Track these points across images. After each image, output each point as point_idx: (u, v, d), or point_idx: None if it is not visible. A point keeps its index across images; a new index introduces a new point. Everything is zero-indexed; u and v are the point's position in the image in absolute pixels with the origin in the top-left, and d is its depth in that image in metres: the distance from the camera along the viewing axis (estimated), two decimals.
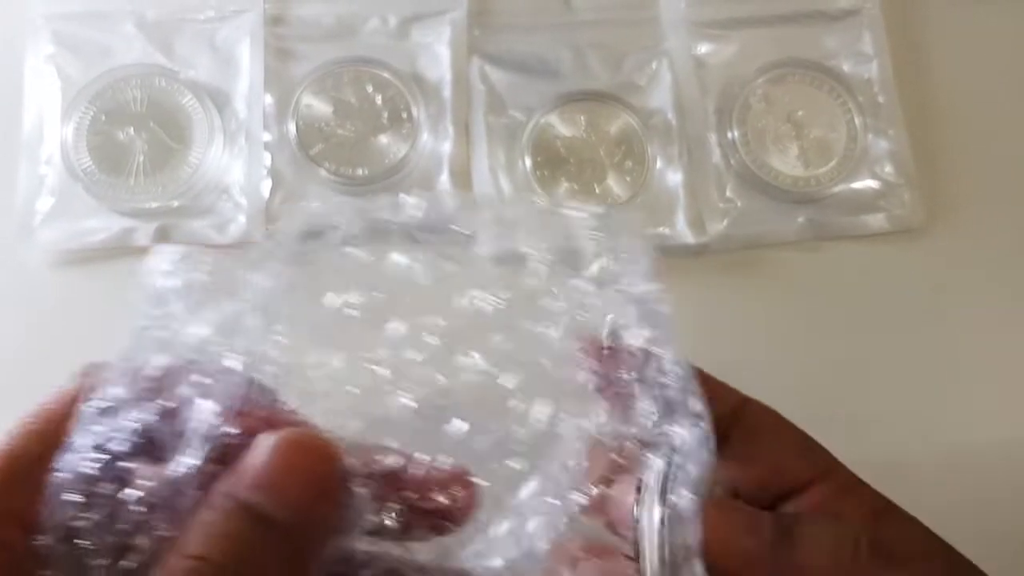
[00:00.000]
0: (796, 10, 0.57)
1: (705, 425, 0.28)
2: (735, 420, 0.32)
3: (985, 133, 0.56)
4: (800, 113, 0.55)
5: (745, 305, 0.52)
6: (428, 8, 0.55)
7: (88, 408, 0.26)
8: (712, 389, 0.31)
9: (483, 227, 0.31)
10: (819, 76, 0.56)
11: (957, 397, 0.51)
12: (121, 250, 0.50)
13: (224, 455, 0.25)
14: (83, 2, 0.54)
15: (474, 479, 0.27)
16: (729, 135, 0.54)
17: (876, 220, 0.54)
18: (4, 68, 0.53)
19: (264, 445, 0.25)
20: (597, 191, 0.53)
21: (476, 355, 0.30)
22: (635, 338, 0.30)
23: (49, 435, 0.26)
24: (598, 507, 0.28)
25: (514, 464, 0.28)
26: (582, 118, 0.54)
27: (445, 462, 0.27)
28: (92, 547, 0.24)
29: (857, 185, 0.54)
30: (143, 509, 0.25)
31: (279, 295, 0.29)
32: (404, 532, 0.27)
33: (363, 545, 0.27)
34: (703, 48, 0.56)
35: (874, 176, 0.55)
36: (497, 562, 0.27)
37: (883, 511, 0.31)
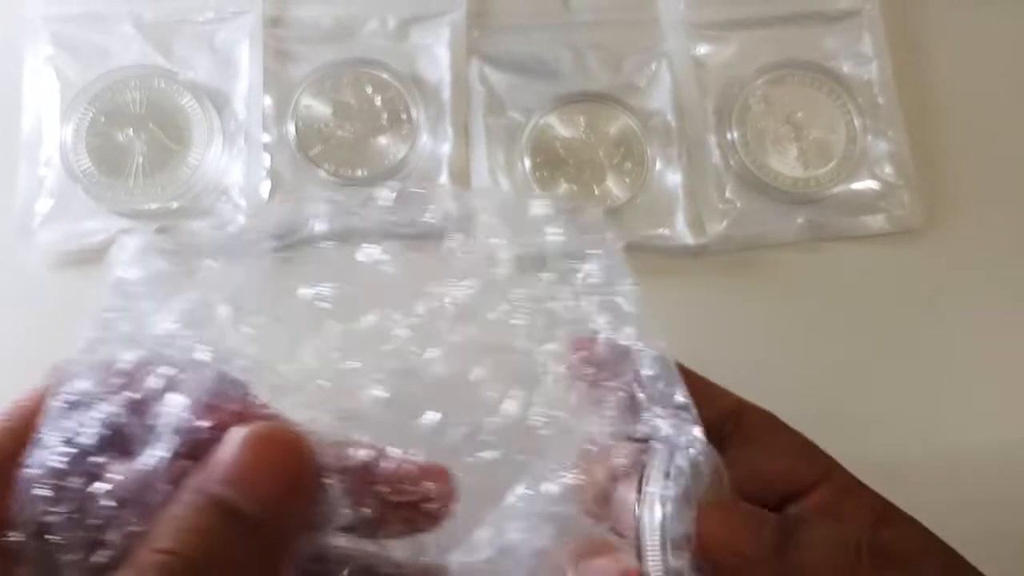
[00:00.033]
0: (795, 11, 0.57)
1: (699, 423, 0.28)
2: (734, 425, 0.32)
3: (985, 134, 0.56)
4: (800, 114, 0.55)
5: (745, 306, 0.52)
6: (427, 9, 0.55)
7: (56, 403, 0.26)
8: (708, 393, 0.31)
9: (453, 219, 0.31)
10: (819, 77, 0.56)
11: (956, 398, 0.51)
12: None
13: (196, 450, 0.25)
14: (81, 3, 0.53)
15: (451, 473, 0.27)
16: (728, 136, 0.54)
17: (876, 221, 0.54)
18: (3, 70, 0.53)
19: (234, 439, 0.25)
20: (596, 192, 0.53)
21: (447, 347, 0.30)
22: (611, 332, 0.30)
23: (21, 432, 0.26)
24: (600, 506, 0.28)
25: (487, 455, 0.28)
26: (581, 119, 0.54)
27: (418, 455, 0.27)
28: (63, 542, 0.24)
29: (857, 186, 0.54)
30: (113, 504, 0.25)
31: (250, 288, 0.29)
32: (379, 528, 0.27)
33: (337, 541, 0.27)
34: (702, 49, 0.56)
35: (874, 177, 0.55)
36: (475, 557, 0.27)
37: (883, 513, 0.31)
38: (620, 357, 0.29)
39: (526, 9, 0.56)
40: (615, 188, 0.53)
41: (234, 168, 0.52)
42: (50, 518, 0.24)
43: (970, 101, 0.57)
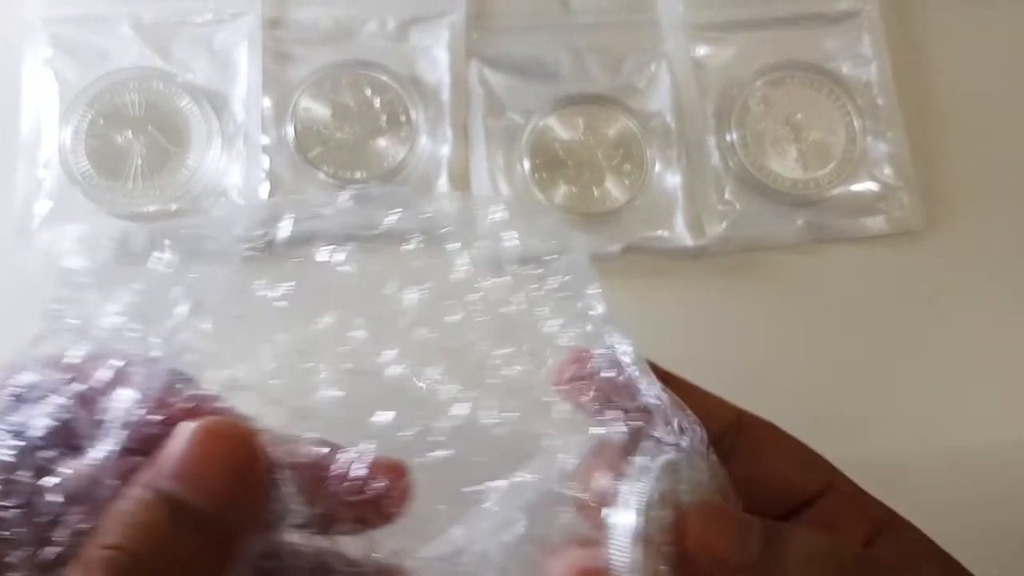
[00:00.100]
0: (795, 12, 0.57)
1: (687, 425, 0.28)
2: (735, 437, 0.31)
3: (984, 135, 0.56)
4: (799, 115, 0.55)
5: (744, 308, 0.52)
6: (426, 11, 0.55)
7: (2, 396, 0.26)
8: (707, 405, 0.30)
9: (414, 222, 0.31)
10: (818, 78, 0.56)
11: (956, 399, 0.51)
12: None
13: (146, 445, 0.25)
14: (80, 5, 0.53)
15: (406, 469, 0.27)
16: (728, 138, 0.54)
17: (875, 222, 0.54)
18: (2, 71, 0.53)
19: (183, 434, 0.25)
20: (596, 194, 0.53)
21: (402, 348, 0.30)
22: (572, 335, 0.30)
23: None
24: (581, 505, 0.28)
25: (438, 454, 0.28)
26: (581, 121, 0.54)
27: (372, 452, 0.27)
28: (11, 537, 0.24)
29: (856, 187, 0.54)
30: (61, 499, 0.24)
31: (207, 284, 0.29)
32: (332, 525, 0.27)
33: (291, 538, 0.27)
34: (702, 51, 0.56)
35: (873, 178, 0.54)
36: (431, 553, 0.27)
37: (882, 522, 0.30)
38: (606, 366, 0.29)
39: (525, 11, 0.56)
40: (614, 190, 0.53)
41: (233, 170, 0.52)
42: None
43: (970, 102, 0.57)
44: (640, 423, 0.28)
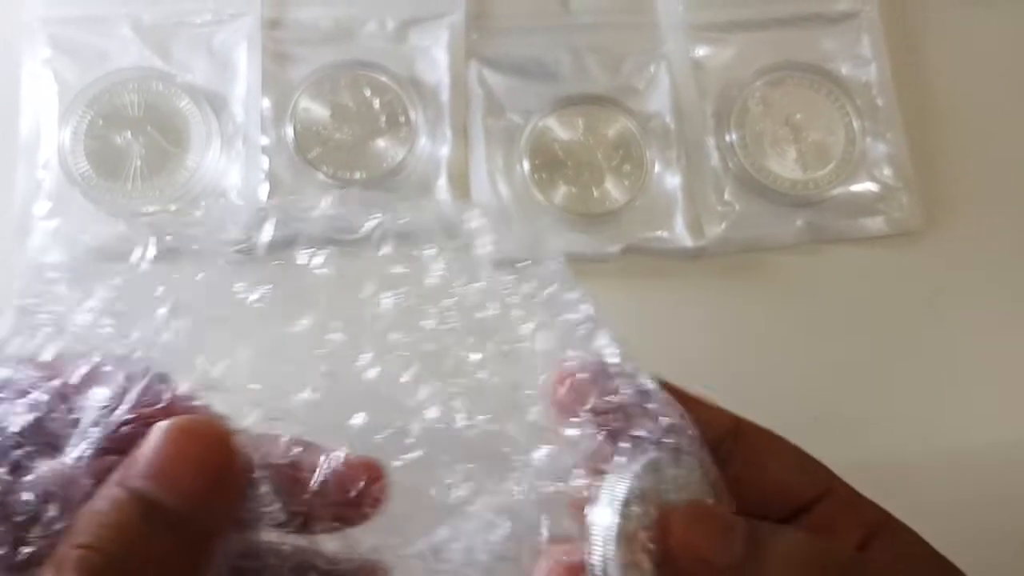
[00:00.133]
0: (794, 13, 0.57)
1: (672, 430, 0.28)
2: (732, 443, 0.31)
3: (984, 136, 0.56)
4: (798, 116, 0.55)
5: (744, 308, 0.52)
6: (426, 12, 0.55)
7: None
8: (704, 412, 0.30)
9: (392, 227, 0.32)
10: (817, 79, 0.56)
11: (956, 399, 0.51)
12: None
13: (121, 444, 0.25)
14: (79, 6, 0.53)
15: (383, 468, 0.27)
16: (727, 138, 0.54)
17: (875, 223, 0.54)
18: (1, 72, 0.53)
19: (157, 433, 0.25)
20: (595, 194, 0.53)
21: (378, 352, 0.30)
22: (553, 338, 0.30)
23: None
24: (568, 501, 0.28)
25: (412, 456, 0.28)
26: (580, 121, 0.54)
27: (349, 451, 0.27)
28: None
29: (856, 188, 0.54)
30: (35, 498, 0.24)
31: (186, 284, 0.29)
32: (309, 524, 0.27)
33: (268, 537, 0.27)
34: (701, 51, 0.56)
35: (872, 179, 0.55)
36: (409, 550, 0.27)
37: (879, 525, 0.30)
38: (596, 373, 0.29)
39: (525, 11, 0.56)
40: (614, 190, 0.53)
41: (232, 171, 0.52)
42: None
43: (969, 102, 0.57)
44: (621, 424, 0.28)
